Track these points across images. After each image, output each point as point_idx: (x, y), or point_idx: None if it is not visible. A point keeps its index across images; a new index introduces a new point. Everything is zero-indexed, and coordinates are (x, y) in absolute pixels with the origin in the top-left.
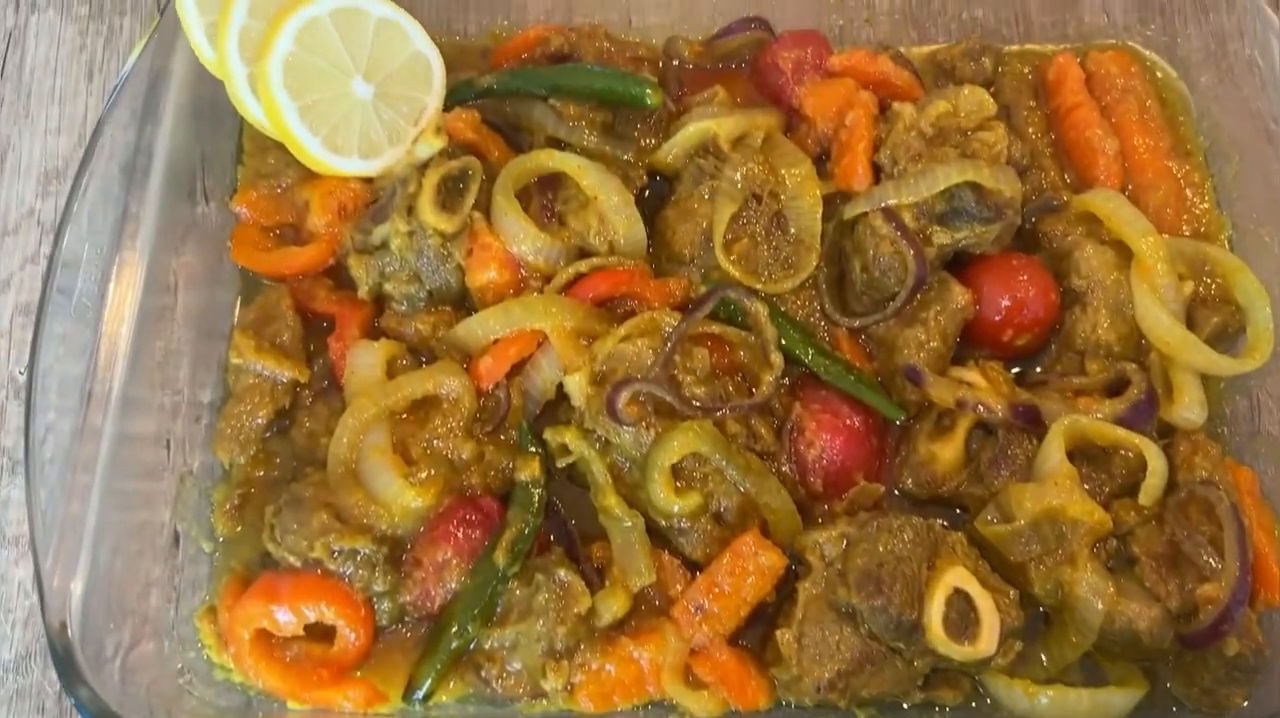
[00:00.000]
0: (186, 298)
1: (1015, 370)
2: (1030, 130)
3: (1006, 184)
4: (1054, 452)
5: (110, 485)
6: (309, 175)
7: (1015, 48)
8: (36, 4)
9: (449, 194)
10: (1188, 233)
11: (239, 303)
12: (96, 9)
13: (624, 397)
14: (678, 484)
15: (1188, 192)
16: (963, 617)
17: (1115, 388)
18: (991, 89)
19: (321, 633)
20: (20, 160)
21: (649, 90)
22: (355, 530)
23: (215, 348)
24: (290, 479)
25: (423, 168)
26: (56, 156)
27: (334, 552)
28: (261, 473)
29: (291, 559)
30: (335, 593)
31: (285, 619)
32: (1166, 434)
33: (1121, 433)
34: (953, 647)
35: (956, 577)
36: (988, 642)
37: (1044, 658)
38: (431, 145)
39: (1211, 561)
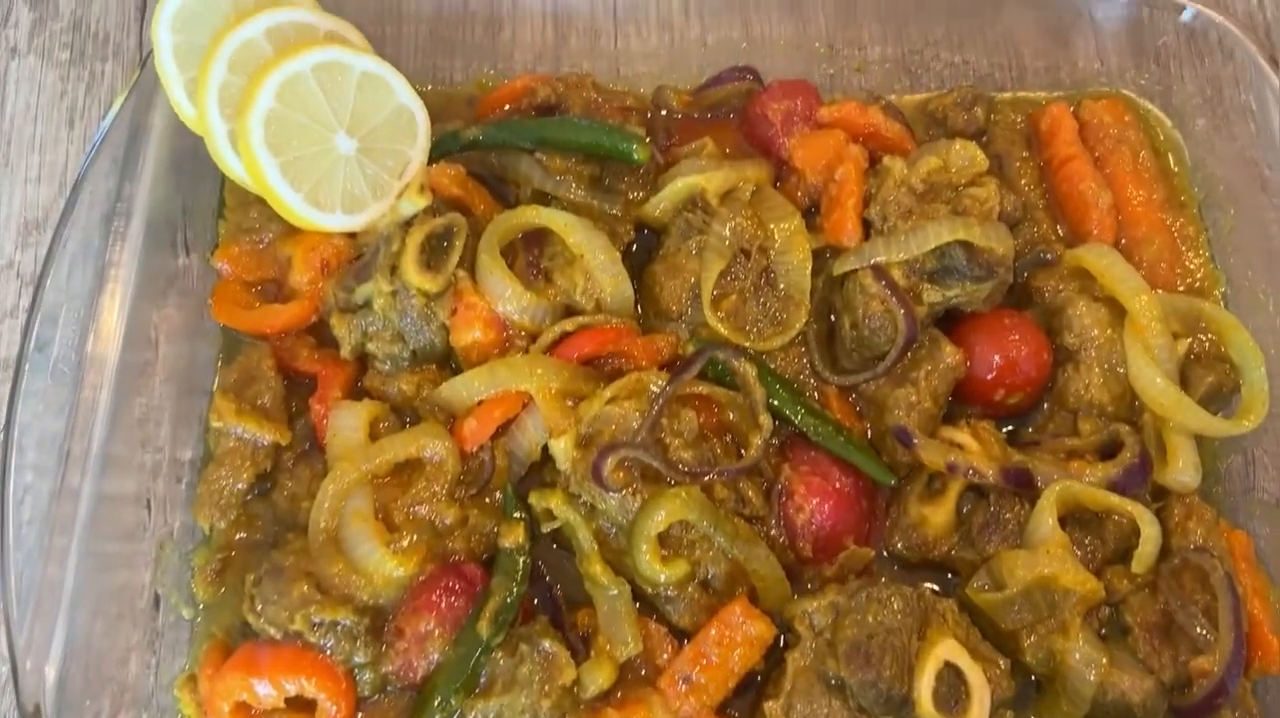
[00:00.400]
0: (167, 352)
1: (1009, 429)
2: (1023, 182)
3: (998, 242)
4: (1046, 518)
5: (89, 547)
6: (292, 230)
7: (1008, 95)
8: (17, 49)
9: (433, 252)
10: (1182, 288)
11: (221, 358)
12: (78, 54)
13: (610, 463)
14: (664, 552)
15: (1182, 245)
16: (953, 690)
17: (1109, 449)
18: (984, 138)
19: (303, 705)
20: (0, 211)
21: (636, 145)
22: (336, 602)
23: (197, 404)
24: (272, 543)
25: (406, 225)
26: (37, 206)
27: (315, 624)
28: (243, 535)
29: (272, 631)
30: (316, 666)
31: (265, 692)
32: (1160, 496)
33: (1115, 499)
34: None
35: (947, 650)
36: (978, 716)
37: None
38: (415, 204)
39: (1205, 632)
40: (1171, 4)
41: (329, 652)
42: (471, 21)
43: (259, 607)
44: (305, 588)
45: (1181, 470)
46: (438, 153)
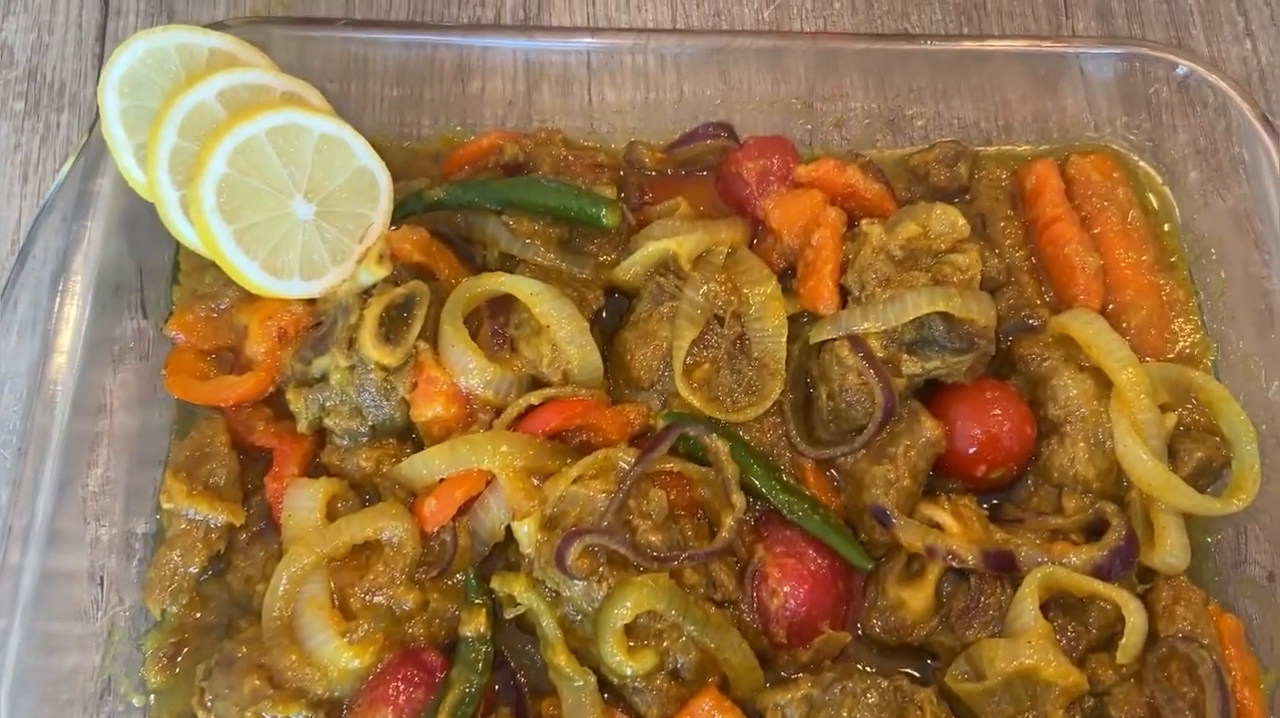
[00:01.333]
0: (120, 421)
1: (992, 503)
2: (1007, 242)
3: (979, 313)
4: (1028, 606)
5: (33, 628)
6: (248, 297)
7: (993, 149)
8: None
9: (393, 323)
10: (1172, 354)
11: (174, 427)
12: (32, 105)
13: (574, 549)
14: (631, 643)
15: (1172, 310)
16: None
17: (1094, 528)
18: (967, 196)
19: None
20: None
21: (605, 209)
22: (289, 697)
23: (151, 475)
24: (226, 627)
25: (365, 295)
26: None
27: None
28: (197, 616)
29: None
30: None
31: None
32: (1148, 577)
33: (1099, 586)
34: None
35: None
36: None
37: None
38: (374, 274)
39: None
40: (1165, 60)
41: None
42: (440, 73)
43: (209, 700)
44: (257, 682)
45: (1169, 552)
46: (401, 213)
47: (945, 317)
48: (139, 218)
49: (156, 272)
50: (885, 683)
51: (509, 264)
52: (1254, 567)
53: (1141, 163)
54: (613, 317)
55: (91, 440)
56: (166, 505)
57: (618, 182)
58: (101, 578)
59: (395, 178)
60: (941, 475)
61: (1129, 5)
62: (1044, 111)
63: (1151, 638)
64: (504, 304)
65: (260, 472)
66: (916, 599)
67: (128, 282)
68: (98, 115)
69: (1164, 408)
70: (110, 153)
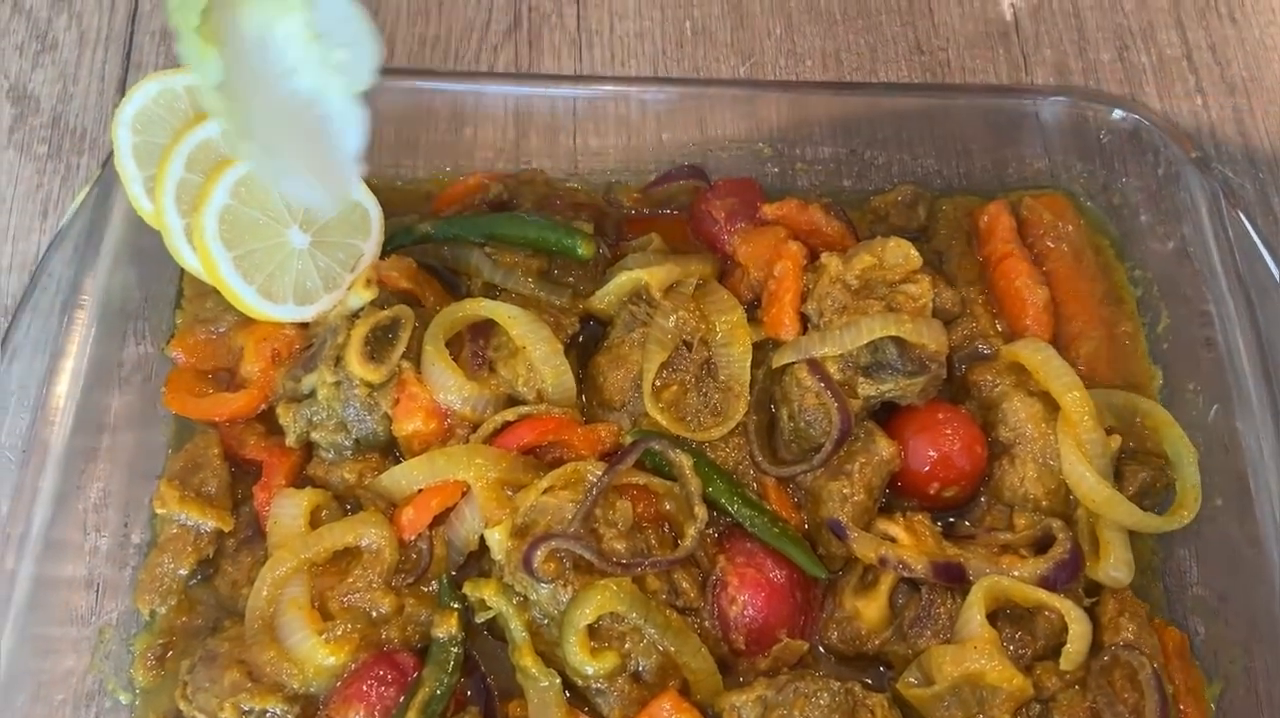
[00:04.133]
0: (120, 438)
1: (948, 521)
2: (962, 277)
3: (930, 338)
4: (975, 614)
5: (28, 631)
6: (245, 321)
7: (952, 193)
8: None
9: (378, 344)
10: (1119, 383)
11: (171, 443)
12: (55, 148)
13: (540, 553)
14: (594, 644)
15: (1120, 342)
16: None
17: (1042, 544)
18: (925, 236)
19: None
20: None
21: (581, 241)
22: (266, 690)
23: (147, 488)
24: (211, 629)
25: (353, 318)
26: (6, 294)
27: (244, 712)
28: (185, 620)
29: None
30: None
31: None
32: (1094, 591)
33: (1044, 595)
34: None
35: None
36: None
37: None
38: (361, 297)
39: None
40: (1105, 106)
41: None
42: (435, 120)
43: (191, 693)
44: (236, 675)
45: (1114, 566)
46: (392, 245)
47: (898, 341)
48: (146, 249)
49: (161, 299)
50: (837, 686)
51: (492, 293)
52: (1203, 588)
53: (1093, 206)
54: (589, 344)
55: (92, 456)
56: (160, 511)
57: (596, 218)
58: (98, 585)
59: (387, 214)
60: (898, 495)
61: (1085, 64)
62: (1004, 160)
63: (1096, 649)
64: (484, 329)
65: (250, 484)
66: (870, 609)
67: (134, 308)
68: (112, 151)
69: (1110, 432)
70: (121, 184)
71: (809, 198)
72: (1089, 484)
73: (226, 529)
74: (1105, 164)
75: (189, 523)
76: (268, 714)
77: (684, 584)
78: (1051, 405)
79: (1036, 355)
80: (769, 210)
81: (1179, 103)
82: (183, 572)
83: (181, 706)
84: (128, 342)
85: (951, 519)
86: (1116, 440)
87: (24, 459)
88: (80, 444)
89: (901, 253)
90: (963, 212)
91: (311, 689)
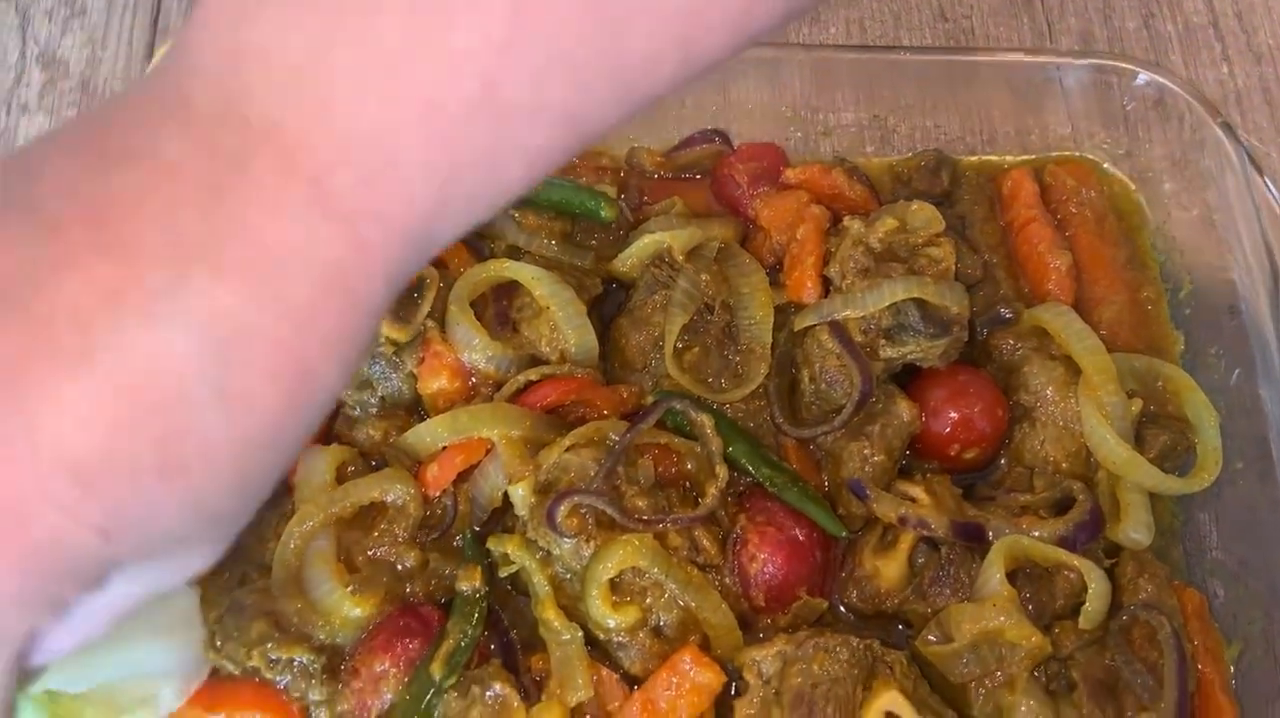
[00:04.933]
0: None
1: (968, 484)
2: (985, 242)
3: (953, 300)
4: (994, 572)
5: None
6: None
7: (974, 159)
8: (27, 107)
9: (404, 303)
10: (1141, 348)
11: None
12: (85, 110)
13: (563, 508)
14: (616, 598)
15: (1142, 306)
16: None
17: (1062, 506)
18: (948, 202)
19: None
20: None
21: (604, 204)
22: (293, 639)
23: None
24: (238, 582)
25: None
26: None
27: (271, 661)
28: (211, 575)
29: (230, 667)
30: (271, 702)
31: None
32: (1114, 552)
33: (1063, 554)
34: None
35: (889, 701)
36: None
37: None
38: None
39: (1150, 688)
40: (1129, 70)
41: (285, 689)
42: None
43: (218, 642)
44: (264, 626)
45: (1133, 527)
46: None
47: (920, 303)
48: None
49: None
50: (857, 642)
51: (515, 255)
52: (1223, 551)
53: (1117, 172)
54: (612, 307)
55: None
56: None
57: (619, 183)
58: None
59: None
60: (919, 457)
61: (1110, 32)
62: (1027, 128)
63: (1115, 610)
64: (508, 290)
65: None
66: (890, 568)
67: None
68: None
69: (1131, 395)
70: None
71: (831, 162)
72: (1110, 446)
73: None
74: (1129, 130)
75: None
76: (295, 663)
77: (705, 542)
78: (1073, 370)
79: (1058, 319)
80: (791, 174)
81: (1205, 71)
82: None
83: (209, 655)
84: None
85: (970, 483)
86: (1138, 403)
87: None
88: None
89: (925, 216)
90: (985, 177)
91: (338, 640)
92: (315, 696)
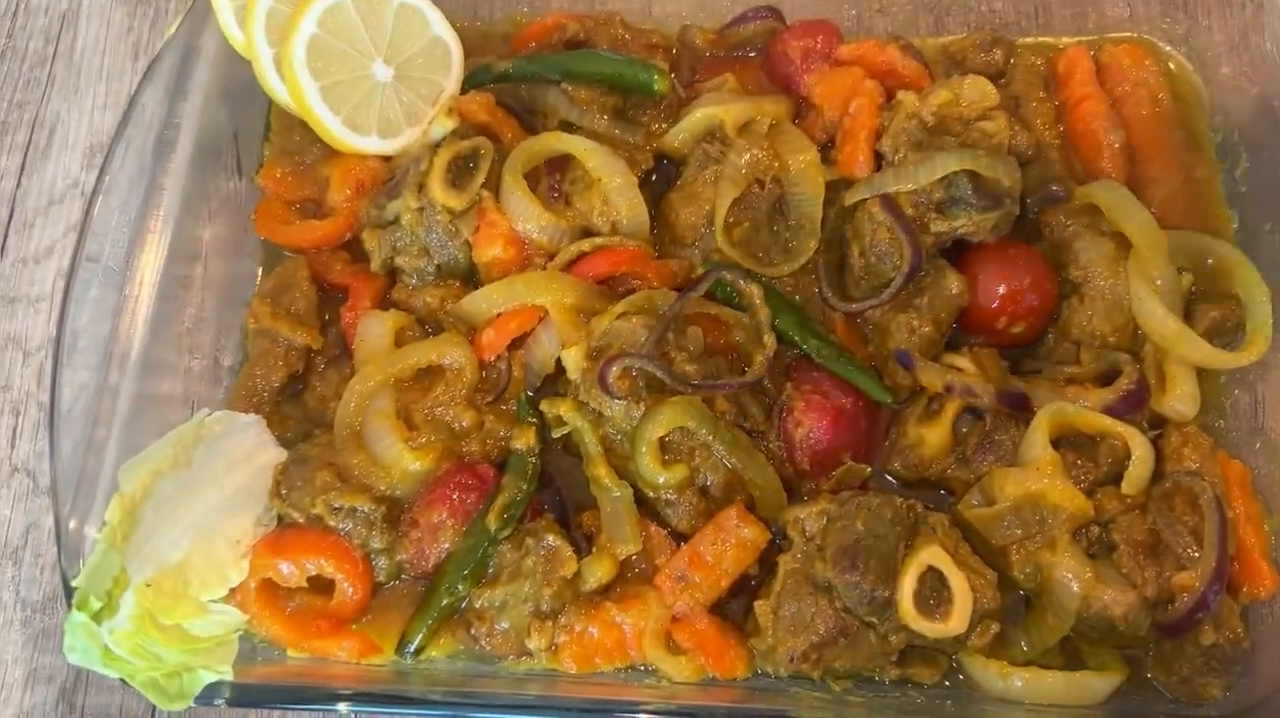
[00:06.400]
0: (213, 267)
1: (1013, 358)
2: (1039, 122)
3: (1005, 174)
4: (1039, 438)
5: (129, 441)
6: (331, 153)
7: (1030, 40)
8: None
9: (460, 173)
10: (1194, 227)
11: (261, 271)
12: None
13: (614, 371)
14: (665, 457)
15: (1195, 186)
16: (936, 595)
17: (1108, 378)
18: (1002, 80)
19: (323, 587)
20: (69, 135)
21: (657, 76)
22: (355, 490)
23: (238, 315)
24: (300, 440)
25: (436, 147)
26: (101, 132)
27: (334, 509)
28: (275, 434)
29: (295, 515)
30: (335, 548)
31: (288, 571)
32: (1159, 426)
33: (1107, 421)
34: (923, 623)
35: (930, 555)
36: (959, 620)
37: (1023, 642)
38: (444, 126)
39: (1191, 550)
40: None
41: (347, 536)
42: None
43: (284, 492)
44: (327, 476)
45: (1180, 399)
46: (471, 84)
47: (972, 176)
48: (235, 84)
49: (251, 134)
50: (900, 501)
51: (568, 130)
52: (1270, 432)
53: (1174, 53)
54: (661, 183)
55: (185, 283)
56: (252, 326)
57: (671, 60)
58: (193, 402)
59: (466, 55)
60: (966, 332)
61: None
62: (1083, 10)
63: (1157, 477)
64: (561, 163)
65: (336, 308)
66: (934, 436)
67: (225, 144)
68: None
69: (1181, 271)
70: (213, 12)
71: (885, 39)
72: (1158, 319)
73: (316, 346)
74: (1189, 13)
75: (280, 339)
76: (357, 512)
77: (752, 408)
78: (1123, 246)
79: (1111, 195)
80: (845, 51)
81: None
82: (274, 384)
83: (275, 504)
84: (218, 174)
85: (1015, 358)
86: (1188, 278)
87: (124, 282)
88: (176, 272)
89: (979, 90)
90: (1041, 58)
91: (397, 493)
92: (376, 543)
